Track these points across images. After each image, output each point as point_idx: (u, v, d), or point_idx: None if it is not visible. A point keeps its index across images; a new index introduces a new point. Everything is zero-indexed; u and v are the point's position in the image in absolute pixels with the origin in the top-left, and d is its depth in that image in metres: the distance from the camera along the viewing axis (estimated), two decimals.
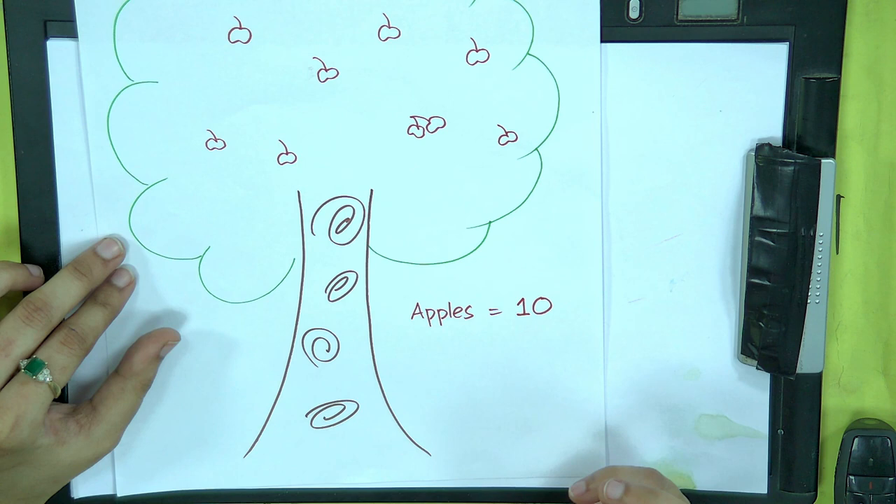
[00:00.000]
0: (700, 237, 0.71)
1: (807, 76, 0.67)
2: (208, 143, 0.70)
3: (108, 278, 0.70)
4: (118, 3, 0.67)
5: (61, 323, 0.68)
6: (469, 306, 0.73)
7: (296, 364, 0.74)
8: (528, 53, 0.68)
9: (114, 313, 0.70)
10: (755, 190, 0.68)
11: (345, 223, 0.71)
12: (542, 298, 0.72)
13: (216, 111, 0.69)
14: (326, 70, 0.68)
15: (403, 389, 0.74)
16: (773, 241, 0.68)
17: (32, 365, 0.65)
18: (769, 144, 0.68)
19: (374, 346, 0.73)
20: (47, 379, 0.65)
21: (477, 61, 0.68)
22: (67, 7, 0.67)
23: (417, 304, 0.73)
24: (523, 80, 0.68)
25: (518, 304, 0.73)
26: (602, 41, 0.67)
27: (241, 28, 0.68)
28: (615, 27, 0.67)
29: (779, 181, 0.67)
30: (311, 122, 0.69)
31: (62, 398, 0.72)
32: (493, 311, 0.73)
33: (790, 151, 0.67)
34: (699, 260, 0.71)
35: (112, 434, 0.70)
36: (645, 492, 0.66)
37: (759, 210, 0.68)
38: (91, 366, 0.72)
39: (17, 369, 0.65)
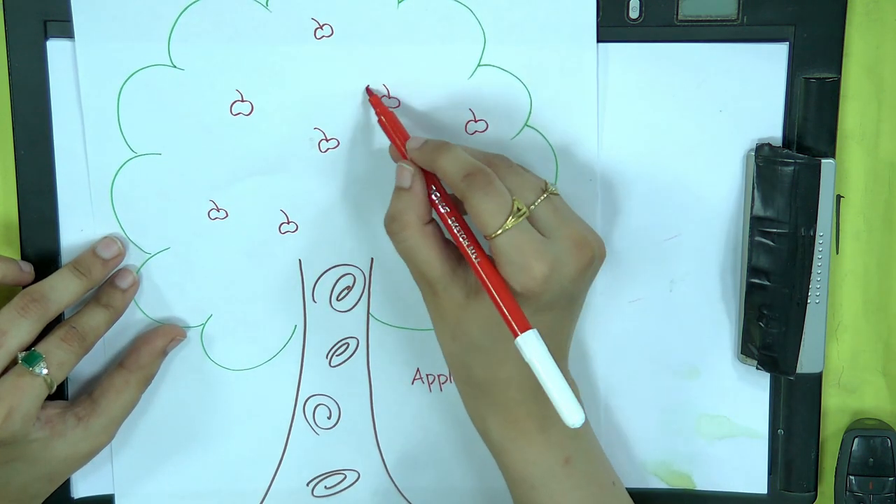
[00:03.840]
0: (700, 237, 0.71)
1: (807, 76, 0.67)
2: (210, 213, 0.70)
3: (111, 280, 0.70)
4: (115, 6, 0.67)
5: (63, 321, 0.68)
6: None
7: (297, 431, 0.74)
8: (526, 124, 0.69)
9: (116, 315, 0.70)
10: (755, 190, 0.68)
11: (346, 291, 0.72)
12: None
13: (218, 182, 0.70)
14: (327, 140, 0.69)
15: (404, 456, 0.75)
16: (773, 241, 0.68)
17: (30, 357, 0.65)
18: (769, 144, 0.68)
19: (374, 412, 0.74)
20: (43, 372, 0.65)
21: (476, 131, 0.69)
22: (67, 7, 0.67)
23: (418, 370, 0.73)
24: (521, 149, 0.69)
25: None
26: (602, 41, 0.68)
27: (243, 101, 0.68)
28: (615, 27, 0.67)
29: (779, 181, 0.67)
30: (312, 191, 0.70)
31: (62, 397, 0.72)
32: None
33: (790, 151, 0.67)
34: (699, 260, 0.71)
35: (109, 428, 0.70)
36: (435, 145, 0.64)
37: (759, 210, 0.68)
38: (91, 366, 0.72)
39: (15, 362, 0.65)
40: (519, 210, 0.61)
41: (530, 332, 0.60)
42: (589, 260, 0.63)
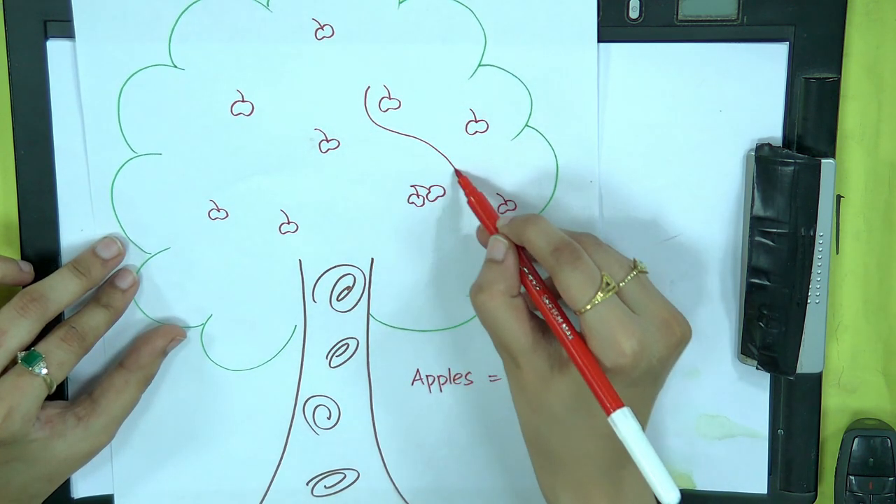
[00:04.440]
0: (700, 237, 0.71)
1: (807, 76, 0.67)
2: (211, 213, 0.70)
3: (111, 280, 0.70)
4: (115, 6, 0.67)
5: (63, 321, 0.68)
6: (469, 372, 0.73)
7: (297, 432, 0.74)
8: (526, 125, 0.69)
9: (116, 315, 0.70)
10: (755, 190, 0.68)
11: (346, 291, 0.72)
12: None
13: (219, 182, 0.70)
14: (328, 141, 0.69)
15: (404, 457, 0.75)
16: (773, 241, 0.68)
17: (30, 357, 0.65)
18: (769, 144, 0.68)
19: (374, 412, 0.74)
20: (43, 372, 0.65)
21: (476, 132, 0.69)
22: (67, 7, 0.67)
23: (418, 371, 0.73)
24: (522, 150, 0.69)
25: None
26: (602, 41, 0.68)
27: (243, 101, 0.68)
28: (615, 27, 0.67)
29: (779, 181, 0.67)
30: (312, 191, 0.70)
31: (62, 397, 0.72)
32: (493, 378, 0.73)
33: (790, 151, 0.68)
34: (699, 260, 0.71)
35: (110, 428, 0.70)
36: (524, 218, 0.65)
37: (759, 210, 0.68)
38: (91, 366, 0.72)
39: (14, 361, 0.65)
40: (608, 285, 0.61)
41: (625, 409, 0.59)
42: (678, 340, 0.63)
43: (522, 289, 0.65)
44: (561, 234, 0.63)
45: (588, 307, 0.61)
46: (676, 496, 0.58)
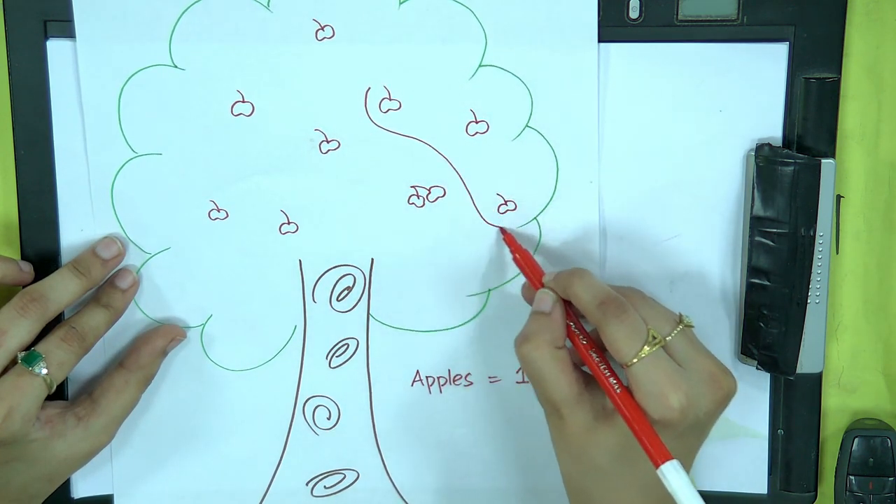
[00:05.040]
0: (700, 237, 0.71)
1: (807, 76, 0.68)
2: (211, 213, 0.70)
3: (111, 280, 0.70)
4: (116, 6, 0.67)
5: (63, 321, 0.68)
6: (469, 374, 0.73)
7: (297, 432, 0.74)
8: (527, 125, 0.69)
9: (116, 315, 0.70)
10: (755, 190, 0.68)
11: (346, 291, 0.72)
12: None
13: (219, 182, 0.70)
14: (328, 141, 0.69)
15: (403, 458, 0.75)
16: (773, 241, 0.68)
17: (29, 357, 0.65)
18: (769, 144, 0.68)
19: (374, 413, 0.74)
20: (43, 372, 0.65)
21: (476, 132, 0.69)
22: (67, 7, 0.67)
23: (417, 372, 0.73)
24: (522, 150, 0.69)
25: (517, 371, 0.73)
26: (602, 41, 0.68)
27: (244, 101, 0.68)
28: (615, 27, 0.67)
29: (779, 181, 0.67)
30: (312, 192, 0.70)
31: (62, 397, 0.72)
32: (493, 379, 0.73)
33: (790, 151, 0.68)
34: (699, 260, 0.71)
35: (110, 428, 0.70)
36: (570, 272, 0.65)
37: (759, 210, 0.68)
38: (91, 366, 0.72)
39: (14, 361, 0.65)
40: (654, 338, 0.62)
41: (674, 461, 0.60)
42: (724, 395, 0.63)
43: (568, 343, 0.65)
44: (607, 287, 0.64)
45: (635, 360, 0.61)
46: None
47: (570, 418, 0.64)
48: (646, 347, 0.61)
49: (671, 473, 0.60)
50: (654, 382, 0.61)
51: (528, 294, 0.69)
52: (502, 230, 0.70)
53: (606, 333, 0.62)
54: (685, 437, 0.63)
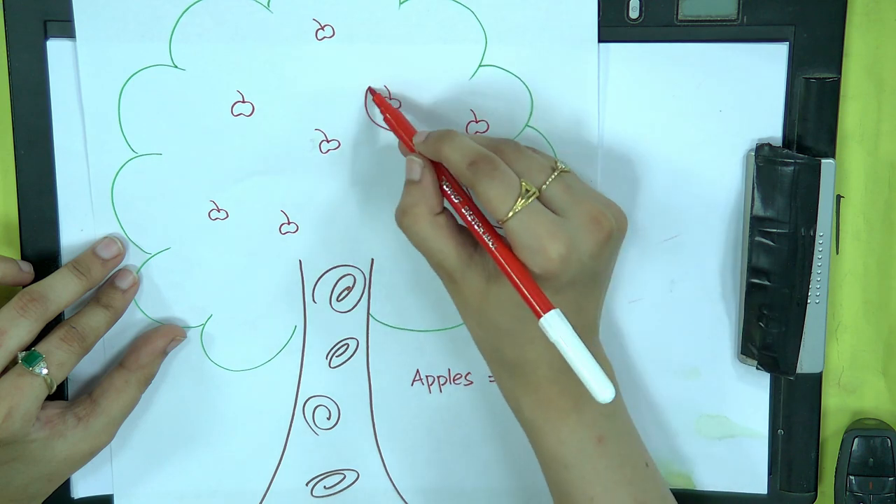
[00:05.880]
0: (700, 237, 0.71)
1: (807, 76, 0.68)
2: (211, 213, 0.70)
3: (110, 280, 0.70)
4: (116, 6, 0.67)
5: (63, 321, 0.68)
6: (468, 373, 0.73)
7: (297, 432, 0.74)
8: (527, 125, 0.69)
9: (116, 315, 0.70)
10: (755, 190, 0.68)
11: (346, 291, 0.72)
12: None
13: (219, 182, 0.70)
14: (328, 141, 0.69)
15: (403, 458, 0.75)
16: (773, 241, 0.68)
17: (30, 357, 0.65)
18: (769, 144, 0.68)
19: (374, 413, 0.74)
20: (43, 372, 0.65)
21: (477, 132, 0.69)
22: (67, 7, 0.67)
23: (417, 371, 0.73)
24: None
25: None
26: (602, 41, 0.68)
27: (244, 101, 0.68)
28: (615, 27, 0.67)
29: (779, 181, 0.67)
30: (312, 192, 0.70)
31: (62, 397, 0.72)
32: (493, 378, 0.73)
33: (790, 151, 0.68)
34: (699, 260, 0.71)
35: (110, 428, 0.70)
36: (439, 134, 0.64)
37: (759, 210, 0.68)
38: (91, 366, 0.72)
39: (15, 361, 0.65)
40: (528, 192, 0.61)
41: (553, 312, 0.59)
42: (607, 234, 0.62)
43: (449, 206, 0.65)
44: (476, 146, 0.63)
45: (510, 215, 0.60)
46: (611, 392, 0.58)
47: (463, 283, 0.64)
48: (520, 201, 0.60)
49: (551, 324, 0.59)
50: (531, 235, 0.60)
51: (405, 153, 0.67)
52: (370, 90, 0.68)
53: (479, 193, 0.61)
54: (576, 284, 0.62)
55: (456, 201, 0.64)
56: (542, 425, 0.66)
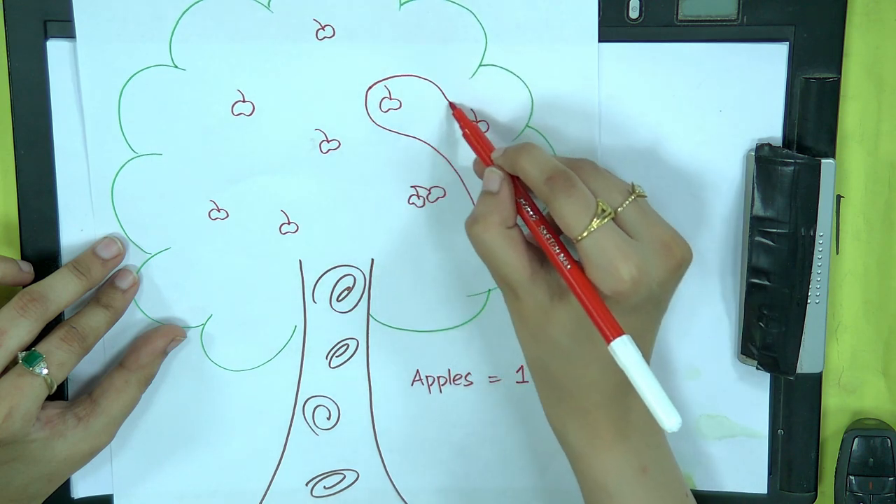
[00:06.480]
0: (700, 237, 0.71)
1: (807, 76, 0.68)
2: (211, 213, 0.70)
3: (111, 280, 0.70)
4: (117, 7, 0.67)
5: (63, 321, 0.68)
6: (468, 373, 0.73)
7: (296, 432, 0.74)
8: (527, 125, 0.69)
9: (116, 315, 0.70)
10: (755, 190, 0.68)
11: (346, 292, 0.72)
12: None
13: (219, 182, 0.70)
14: (328, 141, 0.69)
15: (403, 458, 0.75)
16: (773, 241, 0.68)
17: (30, 357, 0.65)
18: (769, 144, 0.68)
19: (374, 413, 0.74)
20: (43, 372, 0.65)
21: None
22: (67, 7, 0.67)
23: (417, 372, 0.73)
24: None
25: (517, 371, 0.73)
26: (602, 41, 0.68)
27: (244, 101, 0.68)
28: (615, 27, 0.67)
29: (779, 181, 0.67)
30: (312, 192, 0.70)
31: (62, 397, 0.72)
32: (493, 379, 0.73)
33: (790, 151, 0.68)
34: (699, 260, 0.71)
35: (110, 428, 0.70)
36: (518, 147, 0.64)
37: (759, 210, 0.68)
38: (91, 366, 0.72)
39: (15, 362, 0.65)
40: (604, 211, 0.61)
41: (624, 337, 0.59)
42: (678, 262, 0.62)
43: (521, 221, 0.64)
44: (555, 161, 0.63)
45: (584, 234, 0.60)
46: (678, 421, 0.58)
47: (526, 298, 0.63)
48: (595, 220, 0.60)
49: (621, 349, 0.59)
50: (604, 256, 0.60)
51: (480, 170, 0.67)
52: (451, 105, 0.68)
53: (555, 209, 0.61)
54: (641, 310, 0.62)
55: (530, 216, 0.64)
56: (587, 452, 0.65)
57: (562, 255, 0.62)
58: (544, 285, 0.63)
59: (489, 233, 0.63)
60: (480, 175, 0.66)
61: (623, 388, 0.61)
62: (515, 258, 0.63)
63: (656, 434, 0.66)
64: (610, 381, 0.62)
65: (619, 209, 0.62)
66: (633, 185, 0.63)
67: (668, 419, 0.58)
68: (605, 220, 0.60)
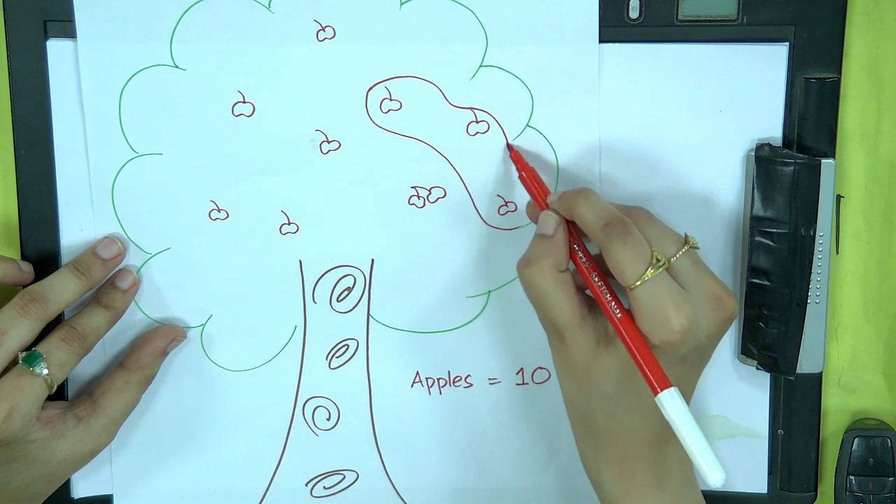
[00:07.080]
0: (700, 237, 0.70)
1: (807, 76, 0.68)
2: (211, 213, 0.70)
3: (111, 280, 0.70)
4: (117, 7, 0.67)
5: (63, 321, 0.68)
6: (468, 375, 0.73)
7: (296, 432, 0.74)
8: (527, 125, 0.69)
9: (116, 316, 0.70)
10: (755, 190, 0.68)
11: (346, 292, 0.72)
12: (540, 368, 0.73)
13: (219, 182, 0.70)
14: (329, 142, 0.69)
15: (403, 458, 0.75)
16: (773, 241, 0.68)
17: (30, 357, 0.65)
18: (769, 144, 0.68)
19: (374, 414, 0.74)
20: (44, 372, 0.65)
21: (477, 132, 0.69)
22: (67, 7, 0.67)
23: (417, 373, 0.73)
24: (524, 151, 0.69)
25: (517, 373, 0.73)
26: (602, 41, 0.68)
27: (244, 102, 0.68)
28: (615, 27, 0.67)
29: (779, 181, 0.68)
30: (313, 192, 0.70)
31: (62, 397, 0.72)
32: (493, 381, 0.73)
33: (790, 151, 0.68)
34: None
35: (110, 428, 0.70)
36: (575, 192, 0.64)
37: (759, 210, 0.68)
38: (91, 366, 0.72)
39: (15, 362, 0.65)
40: (658, 261, 0.61)
41: (672, 389, 0.59)
42: (727, 317, 0.63)
43: (571, 266, 0.64)
44: (611, 208, 0.63)
45: (638, 283, 0.60)
46: (722, 476, 0.58)
47: (572, 343, 0.63)
48: (649, 270, 0.60)
49: (669, 401, 0.59)
50: (657, 305, 0.60)
51: (533, 213, 0.67)
52: (509, 146, 0.69)
53: (610, 256, 0.61)
54: (687, 361, 0.62)
55: (582, 262, 0.64)
56: (622, 499, 0.65)
57: (612, 302, 0.62)
58: (592, 331, 0.63)
59: (542, 275, 0.63)
60: (534, 218, 0.67)
61: (663, 437, 0.62)
62: (566, 302, 0.63)
63: (691, 485, 0.66)
64: (650, 430, 0.62)
65: (672, 259, 0.62)
66: (686, 237, 0.64)
67: (714, 475, 0.58)
68: (660, 270, 0.61)
